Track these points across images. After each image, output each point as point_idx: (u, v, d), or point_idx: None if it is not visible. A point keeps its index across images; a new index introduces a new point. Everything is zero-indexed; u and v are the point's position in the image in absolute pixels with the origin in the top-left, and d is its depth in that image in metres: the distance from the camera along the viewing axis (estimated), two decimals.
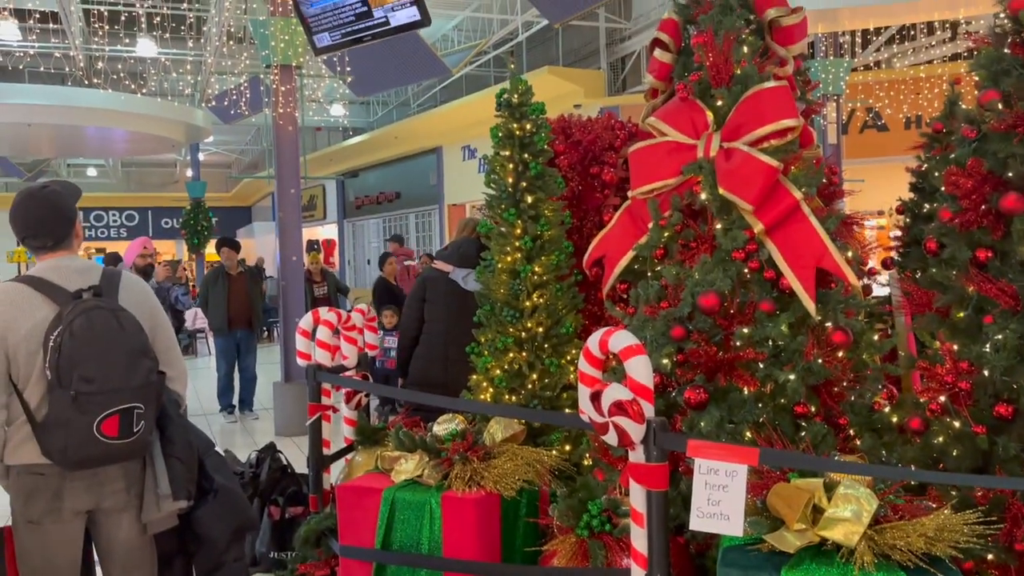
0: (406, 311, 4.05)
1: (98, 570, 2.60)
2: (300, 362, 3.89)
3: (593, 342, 2.21)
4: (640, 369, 2.08)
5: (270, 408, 8.19)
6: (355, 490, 2.87)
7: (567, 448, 3.22)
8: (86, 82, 14.16)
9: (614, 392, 2.07)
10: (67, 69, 13.80)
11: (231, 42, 11.02)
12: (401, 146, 17.49)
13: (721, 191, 2.74)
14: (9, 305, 2.31)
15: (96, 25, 10.81)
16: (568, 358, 3.33)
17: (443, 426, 3.02)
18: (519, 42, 13.73)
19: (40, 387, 2.26)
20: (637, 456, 2.09)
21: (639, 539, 2.09)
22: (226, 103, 11.50)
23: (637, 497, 2.09)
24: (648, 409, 2.06)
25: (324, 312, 3.78)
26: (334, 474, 3.81)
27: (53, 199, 2.44)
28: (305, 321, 3.78)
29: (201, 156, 24.77)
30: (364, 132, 19.71)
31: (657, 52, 3.48)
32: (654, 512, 2.06)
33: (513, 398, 3.29)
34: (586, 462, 3.15)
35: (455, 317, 3.89)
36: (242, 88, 11.17)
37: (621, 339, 2.12)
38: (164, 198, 29.38)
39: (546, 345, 3.30)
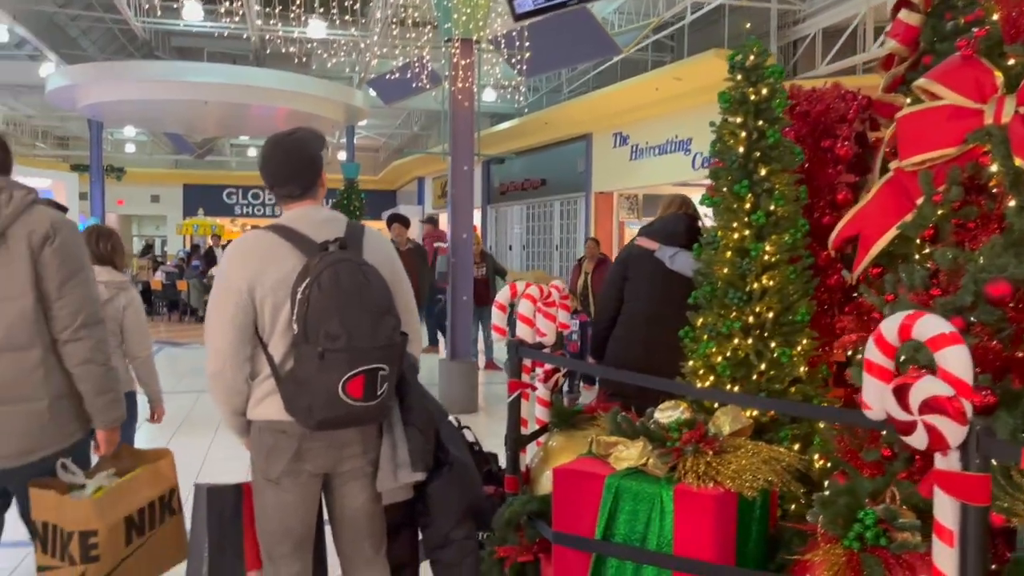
0: (605, 290, 3.83)
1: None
2: (495, 337, 3.75)
3: (890, 327, 1.90)
4: (958, 361, 1.76)
5: (432, 385, 8.20)
6: (574, 474, 2.67)
7: (795, 447, 2.91)
8: (258, 62, 14.75)
9: (929, 386, 1.76)
10: (247, 37, 14.39)
11: (396, 25, 11.13)
12: (550, 132, 17.34)
13: (1017, 162, 2.36)
14: (258, 255, 2.24)
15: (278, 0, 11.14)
16: (799, 348, 3.01)
17: (666, 413, 2.78)
18: (683, 25, 13.26)
19: (285, 341, 2.18)
20: (949, 463, 1.77)
21: (947, 560, 1.78)
22: (408, 75, 11.37)
23: (946, 511, 1.78)
24: (970, 408, 1.74)
25: (521, 285, 3.63)
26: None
27: (301, 146, 2.36)
28: (502, 295, 3.64)
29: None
30: (513, 118, 19.68)
31: (903, 14, 3.12)
32: (971, 530, 1.74)
33: (736, 388, 3.01)
34: (817, 463, 2.84)
35: (659, 298, 3.64)
36: (424, 60, 11.06)
37: (932, 325, 1.81)
38: None
39: (775, 333, 2.99)
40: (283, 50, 12.16)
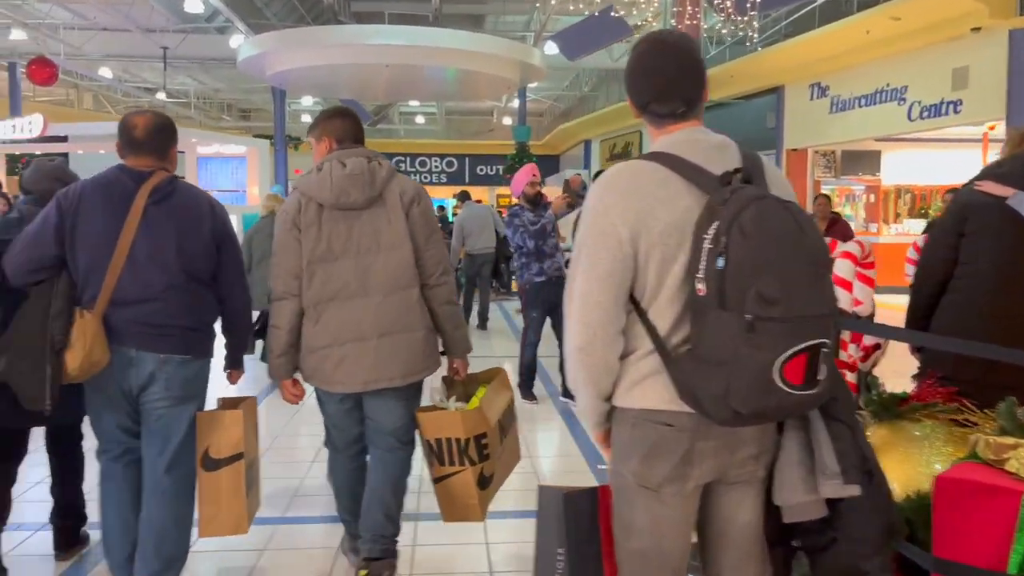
0: (930, 248, 3.09)
1: None
2: None
3: None
4: None
5: None
6: (969, 486, 2.02)
7: None
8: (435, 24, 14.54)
9: None
10: None
11: None
12: (734, 86, 16.18)
13: None
14: (642, 191, 1.71)
15: None
16: None
17: None
18: None
19: (676, 305, 1.66)
20: None
21: None
22: (596, 25, 10.64)
23: None
24: None
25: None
26: None
27: (687, 45, 1.82)
28: None
29: (515, 103, 25.26)
30: None
31: None
32: None
33: None
34: None
35: (1010, 258, 2.88)
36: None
37: None
38: (479, 146, 30.50)
39: None
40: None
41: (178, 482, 2.73)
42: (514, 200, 6.02)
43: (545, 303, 5.77)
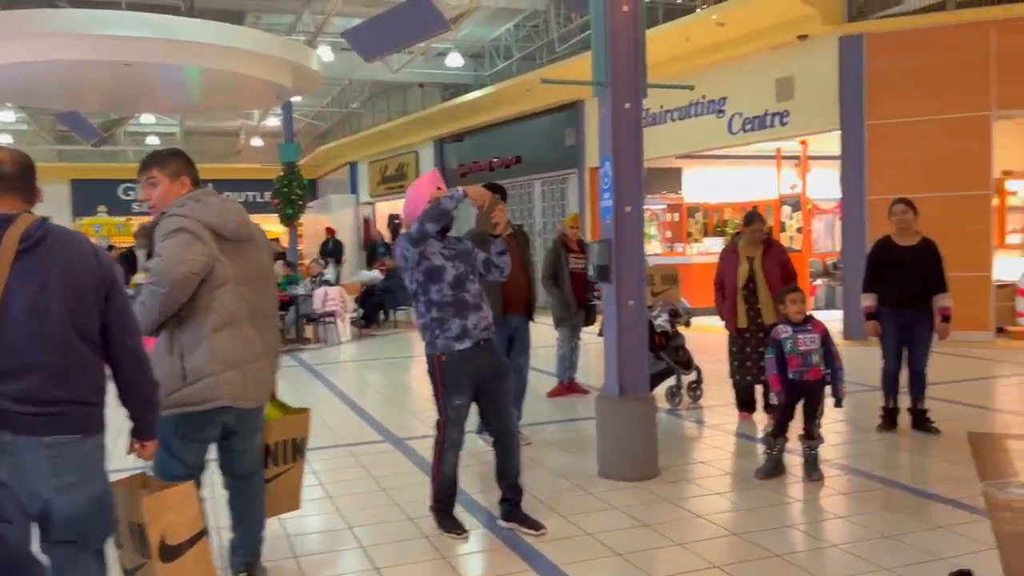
0: None
1: None
2: None
3: None
4: None
5: (541, 423, 5.83)
6: None
7: None
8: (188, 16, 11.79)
9: None
10: None
11: None
12: (527, 102, 15.02)
13: None
14: None
15: None
16: None
17: None
18: None
19: None
20: None
21: None
22: (402, 18, 8.83)
23: None
24: None
25: None
26: None
27: None
28: None
29: (268, 122, 22.51)
30: (473, 89, 17.25)
31: None
32: None
33: None
34: None
35: None
36: None
37: None
38: (224, 169, 27.06)
39: None
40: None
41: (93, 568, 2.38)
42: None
43: (473, 382, 3.74)
